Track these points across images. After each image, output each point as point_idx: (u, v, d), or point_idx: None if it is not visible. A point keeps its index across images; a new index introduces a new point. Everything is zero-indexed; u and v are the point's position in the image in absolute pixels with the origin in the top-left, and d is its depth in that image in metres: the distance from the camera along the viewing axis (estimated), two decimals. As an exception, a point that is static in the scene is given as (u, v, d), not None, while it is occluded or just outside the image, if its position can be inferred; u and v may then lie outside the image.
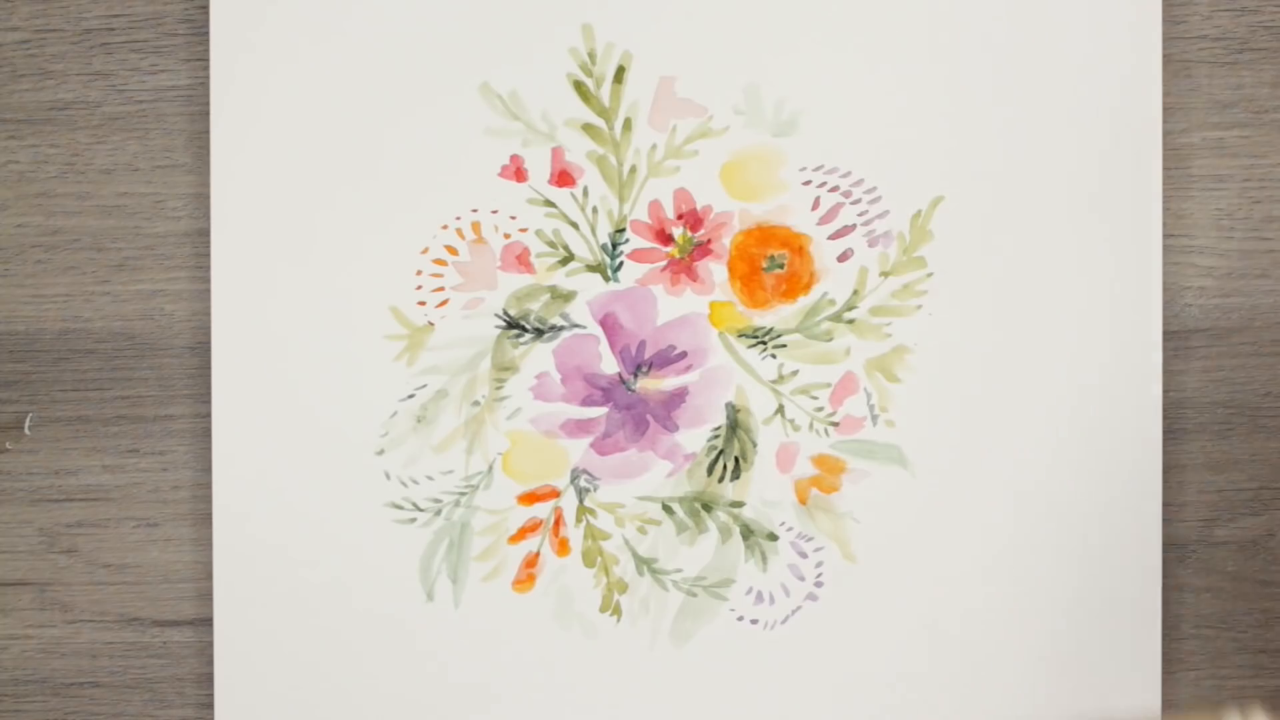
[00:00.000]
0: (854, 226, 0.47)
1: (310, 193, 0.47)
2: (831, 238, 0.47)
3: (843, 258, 0.47)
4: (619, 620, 0.48)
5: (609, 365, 0.47)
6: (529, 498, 0.48)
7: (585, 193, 0.47)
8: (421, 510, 0.47)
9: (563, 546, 0.48)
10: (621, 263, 0.47)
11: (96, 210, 0.49)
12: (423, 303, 0.47)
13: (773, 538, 0.48)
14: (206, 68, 0.48)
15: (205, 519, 0.48)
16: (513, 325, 0.47)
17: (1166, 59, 0.47)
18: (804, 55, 0.47)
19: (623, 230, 0.47)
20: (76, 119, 0.49)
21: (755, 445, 0.47)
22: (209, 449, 0.47)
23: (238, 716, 0.47)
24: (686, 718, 0.48)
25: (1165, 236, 0.47)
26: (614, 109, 0.47)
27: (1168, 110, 0.47)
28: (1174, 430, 0.48)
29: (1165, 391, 0.48)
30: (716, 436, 0.47)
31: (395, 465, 0.47)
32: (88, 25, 0.49)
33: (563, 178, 0.47)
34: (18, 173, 0.49)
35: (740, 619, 0.48)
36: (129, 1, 0.49)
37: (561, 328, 0.47)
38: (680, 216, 0.47)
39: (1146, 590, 0.47)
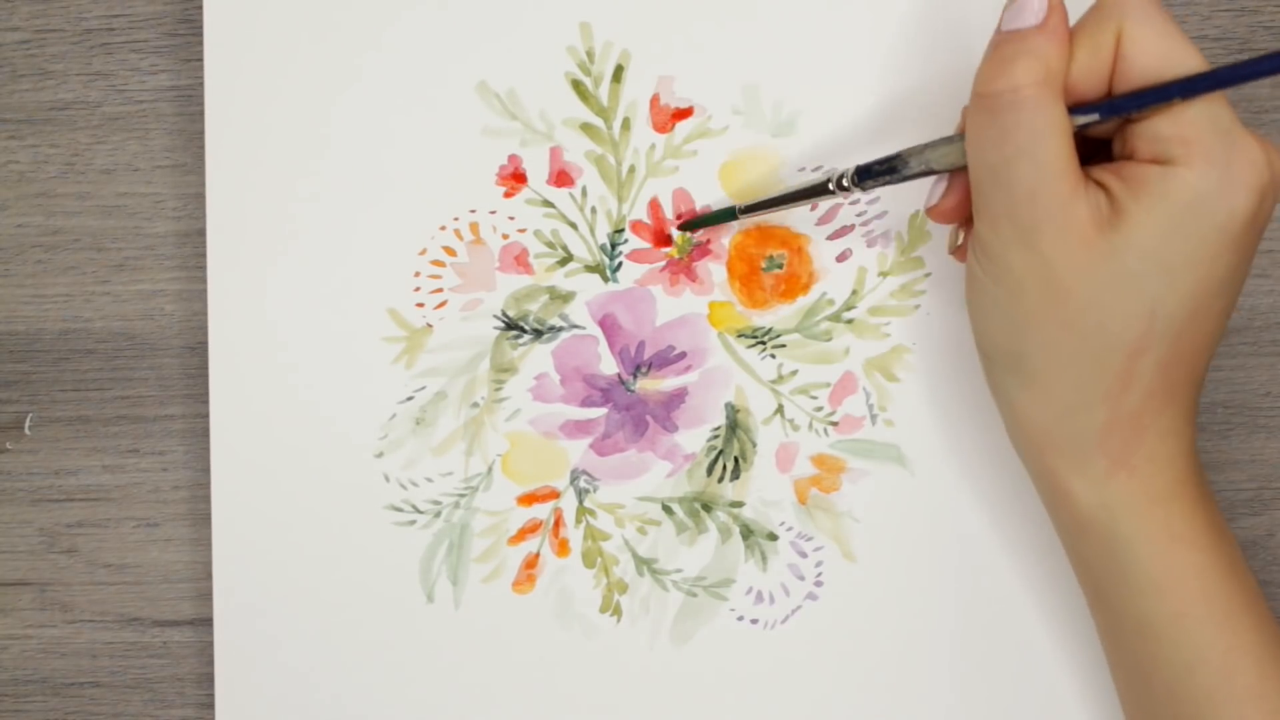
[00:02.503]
0: (852, 226, 0.47)
1: (307, 193, 0.47)
2: (830, 238, 0.47)
3: (841, 258, 0.47)
4: (619, 621, 0.48)
5: (608, 366, 0.47)
6: (528, 499, 0.48)
7: (584, 193, 0.47)
8: (421, 512, 0.47)
9: (563, 547, 0.48)
10: (620, 263, 0.47)
11: (96, 210, 0.49)
12: (421, 304, 0.47)
13: (772, 537, 0.47)
14: (205, 68, 0.48)
15: (205, 519, 0.48)
16: (511, 326, 0.47)
17: (1167, 58, 0.47)
18: (802, 55, 0.46)
19: (621, 230, 0.47)
20: (76, 119, 0.49)
21: (755, 445, 0.47)
22: (209, 449, 0.47)
23: (238, 717, 0.47)
24: (687, 718, 0.48)
25: (1165, 236, 0.47)
26: (612, 108, 0.47)
27: (1168, 110, 0.47)
28: (1174, 430, 0.48)
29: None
30: (716, 437, 0.47)
31: (394, 467, 0.47)
32: (88, 25, 0.49)
33: (561, 178, 0.47)
34: (18, 173, 0.49)
35: (740, 619, 0.48)
36: (129, 1, 0.49)
37: (560, 328, 0.47)
38: (679, 216, 0.47)
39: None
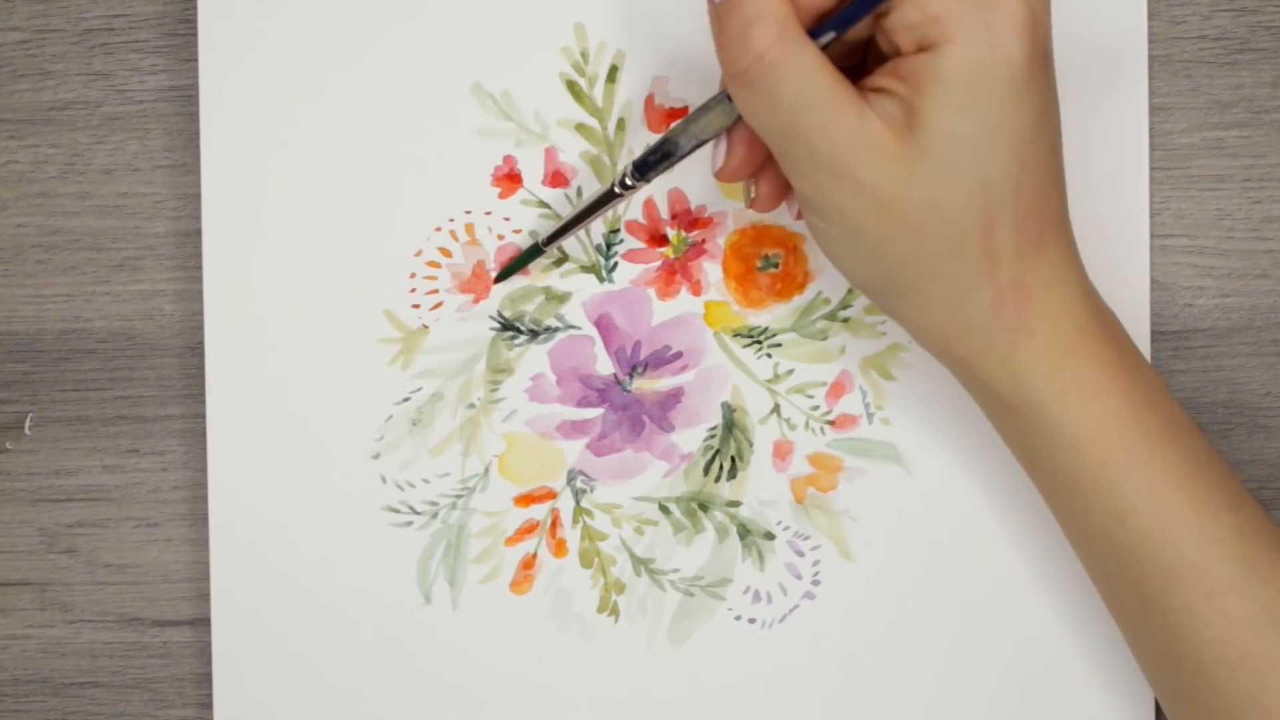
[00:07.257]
0: (849, 226, 0.47)
1: (303, 194, 0.47)
2: (827, 237, 0.47)
3: (838, 257, 0.47)
4: (617, 621, 0.48)
5: (604, 366, 0.47)
6: (525, 499, 0.48)
7: (579, 193, 0.47)
8: (418, 513, 0.47)
9: (560, 548, 0.48)
10: (616, 263, 0.47)
11: (96, 210, 0.49)
12: (417, 305, 0.47)
13: (770, 537, 0.47)
14: (202, 68, 0.48)
15: (205, 519, 0.49)
16: (507, 327, 0.47)
17: (1165, 59, 0.47)
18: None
19: (617, 231, 0.47)
20: (76, 119, 0.49)
21: (751, 445, 0.47)
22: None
23: (236, 717, 0.48)
24: (685, 717, 0.48)
25: (1165, 236, 0.47)
26: (607, 109, 0.47)
27: (1167, 110, 0.47)
28: (1173, 430, 0.48)
29: (1164, 391, 0.47)
30: (713, 436, 0.47)
31: (391, 469, 0.47)
32: (88, 25, 0.49)
33: (556, 178, 0.47)
34: (18, 173, 0.49)
35: (738, 618, 0.48)
36: (129, 1, 0.49)
37: (556, 329, 0.47)
38: (674, 217, 0.47)
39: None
